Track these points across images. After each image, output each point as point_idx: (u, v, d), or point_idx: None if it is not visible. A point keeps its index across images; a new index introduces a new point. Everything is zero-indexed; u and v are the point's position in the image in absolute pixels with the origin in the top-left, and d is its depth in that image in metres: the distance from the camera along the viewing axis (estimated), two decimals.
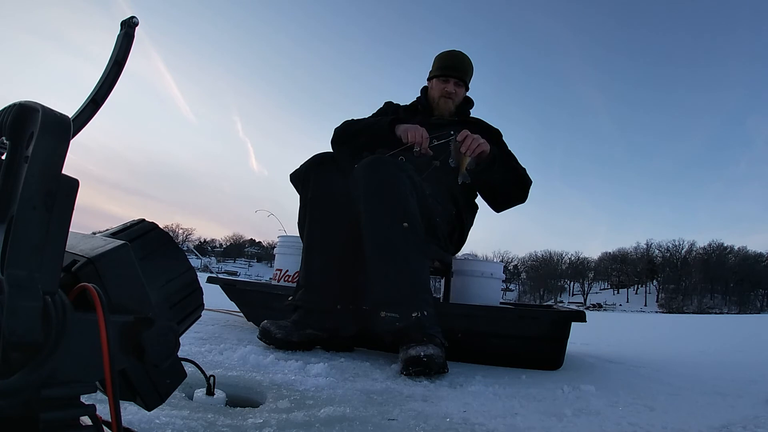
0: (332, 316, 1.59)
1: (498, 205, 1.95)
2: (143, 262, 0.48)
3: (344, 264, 1.62)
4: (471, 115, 2.02)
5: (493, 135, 1.92)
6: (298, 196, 1.73)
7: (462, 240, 1.95)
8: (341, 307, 1.60)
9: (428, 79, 2.01)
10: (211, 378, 0.89)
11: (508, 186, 1.85)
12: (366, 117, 1.96)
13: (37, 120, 0.38)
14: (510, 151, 1.92)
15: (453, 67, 1.94)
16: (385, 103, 2.08)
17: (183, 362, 0.53)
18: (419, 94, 2.05)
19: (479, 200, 1.98)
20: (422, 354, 1.28)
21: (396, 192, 1.46)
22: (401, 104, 2.07)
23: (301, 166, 1.71)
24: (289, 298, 1.65)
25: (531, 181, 1.89)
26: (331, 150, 1.86)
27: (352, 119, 1.92)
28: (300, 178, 1.70)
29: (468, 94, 2.03)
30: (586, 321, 1.62)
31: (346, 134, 1.85)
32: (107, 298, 0.42)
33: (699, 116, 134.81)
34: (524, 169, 1.90)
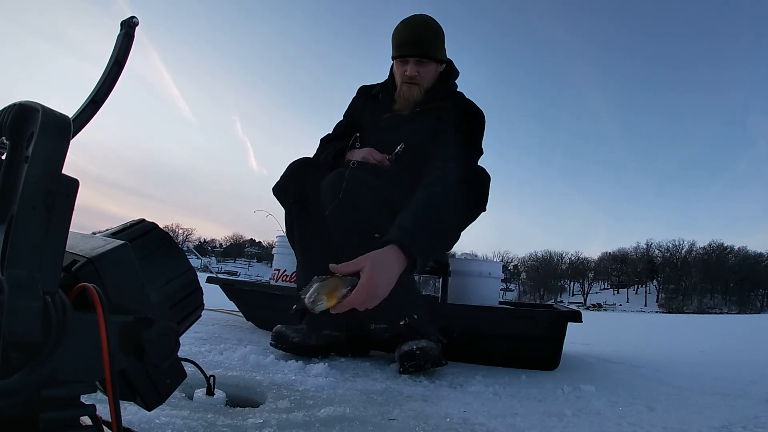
0: (345, 313, 1.53)
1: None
2: (143, 262, 0.48)
3: (342, 261, 1.57)
4: (456, 90, 1.67)
5: (465, 115, 1.58)
6: (283, 208, 1.65)
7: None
8: None
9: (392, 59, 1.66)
10: (211, 378, 0.89)
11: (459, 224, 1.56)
12: (335, 130, 1.79)
13: (37, 120, 0.38)
14: (478, 145, 1.57)
15: (408, 44, 1.55)
16: (359, 91, 1.80)
17: (183, 362, 0.53)
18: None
19: None
20: (415, 347, 1.28)
21: (359, 206, 1.42)
22: (373, 86, 1.77)
23: (280, 177, 1.64)
24: (294, 306, 1.59)
25: (483, 182, 1.56)
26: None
27: (320, 143, 1.74)
28: (281, 188, 1.63)
29: (461, 84, 1.70)
30: (582, 321, 1.61)
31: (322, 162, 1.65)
32: (107, 298, 0.42)
33: (700, 117, 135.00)
34: (469, 170, 1.51)
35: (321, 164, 1.63)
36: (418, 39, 1.55)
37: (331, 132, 1.82)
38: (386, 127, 1.63)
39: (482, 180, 1.57)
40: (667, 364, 2.07)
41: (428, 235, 1.22)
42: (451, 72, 1.66)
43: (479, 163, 1.61)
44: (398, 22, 1.64)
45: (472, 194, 1.50)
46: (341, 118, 1.84)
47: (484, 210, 1.60)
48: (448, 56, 1.66)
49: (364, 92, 1.78)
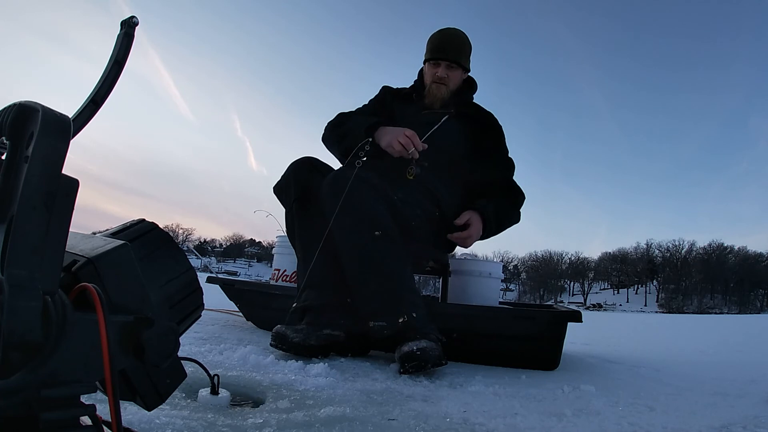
0: (345, 311, 1.53)
1: None
2: (143, 262, 0.48)
3: (342, 260, 1.58)
4: (473, 101, 1.92)
5: (488, 128, 1.84)
6: (284, 207, 1.68)
7: (451, 241, 1.84)
8: (351, 302, 1.54)
9: (423, 62, 1.91)
10: (215, 377, 0.88)
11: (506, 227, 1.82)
12: (357, 111, 1.88)
13: (37, 120, 0.38)
14: (509, 157, 1.85)
15: (443, 49, 1.81)
16: (381, 89, 1.97)
17: (185, 362, 0.53)
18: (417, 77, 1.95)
19: None
20: (415, 348, 1.28)
21: (360, 203, 1.44)
22: (399, 88, 1.97)
23: (281, 177, 1.68)
24: (294, 305, 1.57)
25: (523, 199, 1.83)
26: (323, 143, 1.82)
27: (343, 115, 1.83)
28: (282, 187, 1.66)
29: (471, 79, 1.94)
30: (582, 321, 1.61)
31: (334, 136, 1.76)
32: (107, 298, 0.42)
33: (700, 117, 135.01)
34: (516, 189, 1.82)
35: (347, 135, 1.69)
36: (450, 46, 1.82)
37: (353, 110, 1.89)
38: (424, 122, 1.78)
39: (521, 201, 1.85)
40: (667, 364, 2.07)
41: (495, 223, 1.72)
42: (472, 84, 1.92)
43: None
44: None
45: (517, 213, 1.84)
46: (339, 112, 1.87)
47: (518, 222, 1.86)
48: (471, 74, 1.92)
49: (390, 92, 1.95)
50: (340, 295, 1.53)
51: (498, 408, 1.01)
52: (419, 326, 1.39)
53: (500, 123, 1.87)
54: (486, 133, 1.84)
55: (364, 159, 1.55)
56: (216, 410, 0.82)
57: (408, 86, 1.96)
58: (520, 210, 1.83)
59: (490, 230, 1.71)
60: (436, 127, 1.75)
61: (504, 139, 1.87)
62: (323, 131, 1.83)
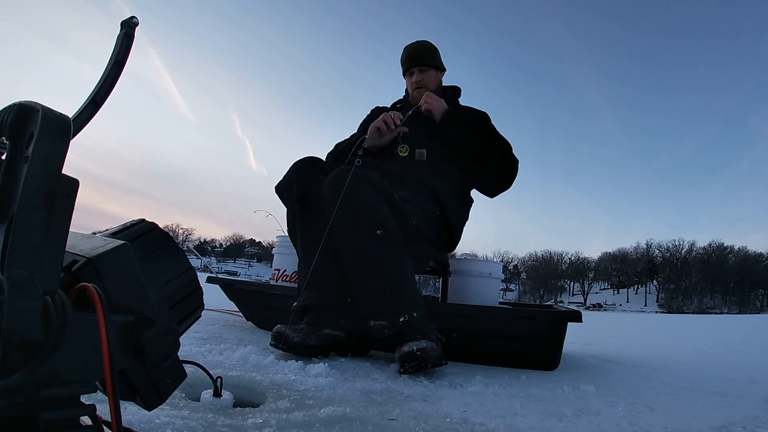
0: (345, 311, 1.52)
1: (482, 181, 1.87)
2: (143, 262, 0.48)
3: (344, 259, 1.58)
4: (459, 103, 2.00)
5: (478, 118, 1.89)
6: (285, 207, 1.69)
7: (452, 240, 1.87)
8: (351, 301, 1.54)
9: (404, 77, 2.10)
10: (218, 380, 0.88)
11: (483, 148, 1.79)
12: (351, 136, 1.97)
13: (37, 120, 0.38)
14: (501, 135, 1.84)
15: (410, 59, 2.01)
16: (372, 110, 2.09)
17: (188, 364, 0.53)
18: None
19: (476, 195, 1.95)
20: (415, 348, 1.29)
21: (361, 202, 1.45)
22: (389, 106, 2.08)
23: (283, 176, 1.68)
24: (294, 304, 1.56)
25: (515, 157, 1.83)
26: None
27: (338, 144, 1.97)
28: (284, 186, 1.67)
29: (463, 86, 2.04)
30: (582, 321, 1.61)
31: (332, 159, 1.90)
32: (107, 298, 0.42)
33: (700, 117, 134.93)
34: (508, 145, 1.84)
35: (340, 151, 1.88)
36: (417, 54, 2.01)
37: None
38: (410, 119, 1.86)
39: (513, 160, 1.84)
40: (667, 364, 2.07)
41: (462, 116, 1.84)
42: (455, 88, 2.06)
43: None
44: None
45: (504, 149, 1.83)
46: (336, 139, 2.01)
47: (509, 174, 1.84)
48: (455, 82, 2.09)
49: (379, 110, 2.08)
50: (340, 294, 1.53)
51: (498, 408, 1.01)
52: (420, 326, 1.39)
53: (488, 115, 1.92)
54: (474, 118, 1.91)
55: (361, 153, 1.61)
56: (216, 410, 0.82)
57: (397, 101, 2.10)
58: (508, 160, 1.82)
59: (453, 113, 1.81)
60: (414, 109, 1.84)
61: (490, 122, 1.90)
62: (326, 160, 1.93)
